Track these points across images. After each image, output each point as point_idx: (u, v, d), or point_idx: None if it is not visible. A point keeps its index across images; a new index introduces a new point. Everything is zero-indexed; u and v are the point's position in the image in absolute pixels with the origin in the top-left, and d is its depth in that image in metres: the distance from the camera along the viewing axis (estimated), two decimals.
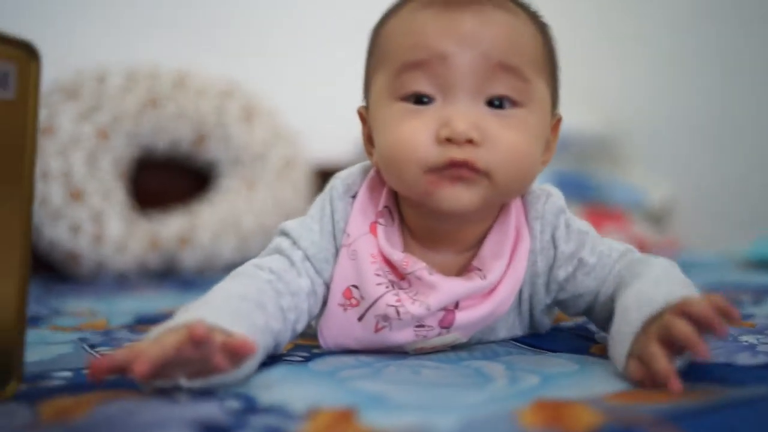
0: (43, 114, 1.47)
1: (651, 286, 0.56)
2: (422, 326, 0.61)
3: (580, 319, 0.77)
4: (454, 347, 0.65)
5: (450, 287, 0.61)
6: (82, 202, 1.44)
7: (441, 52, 0.58)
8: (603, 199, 1.84)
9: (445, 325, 0.61)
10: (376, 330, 0.62)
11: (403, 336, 0.62)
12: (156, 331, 0.51)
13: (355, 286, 0.62)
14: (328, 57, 1.78)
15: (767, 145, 1.65)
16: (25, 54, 0.49)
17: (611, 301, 0.62)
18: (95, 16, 1.67)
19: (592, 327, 0.74)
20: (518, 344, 0.67)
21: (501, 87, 0.58)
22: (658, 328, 0.51)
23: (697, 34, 1.78)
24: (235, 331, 0.52)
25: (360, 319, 0.62)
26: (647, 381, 0.50)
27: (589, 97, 2.00)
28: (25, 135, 0.49)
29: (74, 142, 1.47)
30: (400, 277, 0.62)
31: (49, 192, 1.43)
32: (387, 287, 0.61)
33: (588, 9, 2.05)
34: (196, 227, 1.52)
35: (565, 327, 0.76)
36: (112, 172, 1.51)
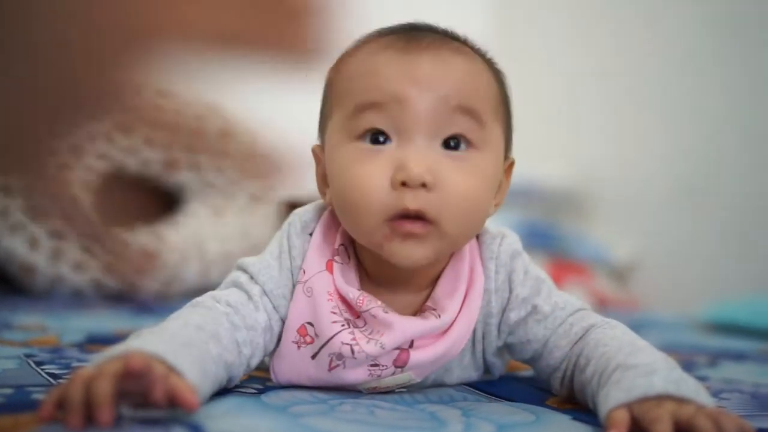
0: None
1: (679, 372, 0.55)
2: (376, 365, 0.61)
3: None
4: (410, 389, 0.65)
5: (405, 326, 0.60)
6: (44, 216, 1.41)
7: (398, 95, 0.58)
8: (567, 251, 1.86)
9: (400, 365, 0.61)
10: (330, 368, 0.61)
11: (356, 374, 0.61)
12: (100, 356, 0.50)
13: (310, 324, 0.62)
14: (306, 87, 1.79)
15: (730, 210, 1.68)
16: None
17: (574, 357, 0.62)
18: None
19: None
20: (474, 390, 0.67)
21: (457, 127, 0.59)
22: (679, 409, 0.50)
23: (667, 95, 1.83)
24: (181, 367, 0.50)
25: (314, 356, 0.61)
26: None
27: (559, 151, 2.04)
28: None
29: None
30: (355, 315, 0.62)
31: (10, 204, 1.40)
32: (342, 325, 0.61)
33: (560, 66, 2.10)
34: (159, 249, 1.50)
35: (523, 377, 0.75)
36: (78, 186, 1.48)
